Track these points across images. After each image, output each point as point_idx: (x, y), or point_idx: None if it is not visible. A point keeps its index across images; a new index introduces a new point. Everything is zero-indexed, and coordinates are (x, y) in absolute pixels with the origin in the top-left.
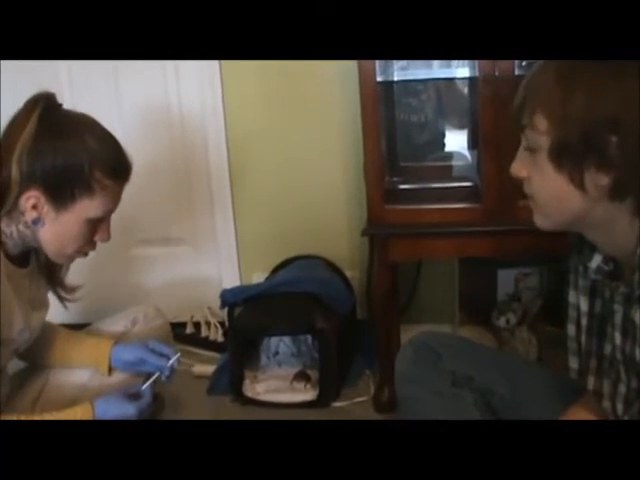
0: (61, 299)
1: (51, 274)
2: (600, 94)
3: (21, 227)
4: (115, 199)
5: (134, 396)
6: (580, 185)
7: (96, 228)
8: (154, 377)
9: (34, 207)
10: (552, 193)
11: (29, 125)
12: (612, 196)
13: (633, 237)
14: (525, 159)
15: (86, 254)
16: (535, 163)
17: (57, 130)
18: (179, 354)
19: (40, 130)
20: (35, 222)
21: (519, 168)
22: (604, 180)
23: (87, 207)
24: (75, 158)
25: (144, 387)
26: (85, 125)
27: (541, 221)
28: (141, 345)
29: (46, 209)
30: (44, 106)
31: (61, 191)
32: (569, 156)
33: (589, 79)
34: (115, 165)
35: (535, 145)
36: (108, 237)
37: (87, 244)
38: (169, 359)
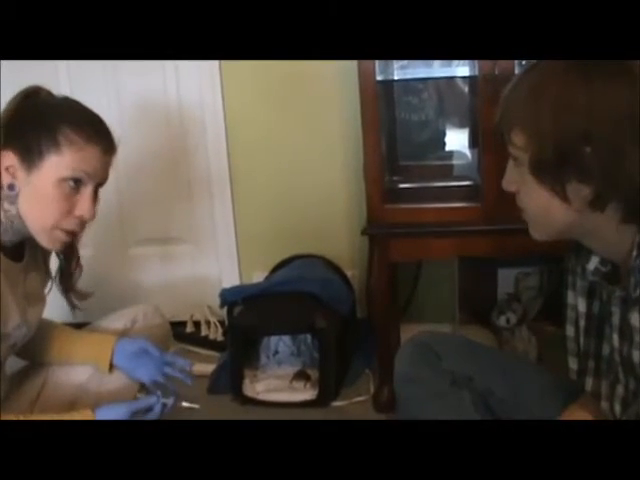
0: (73, 306)
1: (64, 281)
2: (569, 107)
3: (6, 205)
4: (89, 162)
5: (141, 412)
6: (564, 197)
7: (73, 199)
8: (166, 401)
9: (7, 169)
10: (539, 206)
11: (10, 105)
12: (594, 205)
13: (625, 242)
14: (513, 173)
15: (74, 235)
16: (521, 177)
17: (33, 102)
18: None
19: (19, 107)
20: (11, 187)
21: (509, 183)
22: (585, 190)
23: (56, 164)
24: (41, 114)
25: (155, 407)
26: (61, 98)
27: (534, 233)
28: (143, 339)
29: (19, 173)
30: (29, 92)
31: (29, 148)
32: (548, 170)
33: (557, 93)
34: (83, 121)
35: (518, 160)
36: (89, 213)
37: (67, 217)
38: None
